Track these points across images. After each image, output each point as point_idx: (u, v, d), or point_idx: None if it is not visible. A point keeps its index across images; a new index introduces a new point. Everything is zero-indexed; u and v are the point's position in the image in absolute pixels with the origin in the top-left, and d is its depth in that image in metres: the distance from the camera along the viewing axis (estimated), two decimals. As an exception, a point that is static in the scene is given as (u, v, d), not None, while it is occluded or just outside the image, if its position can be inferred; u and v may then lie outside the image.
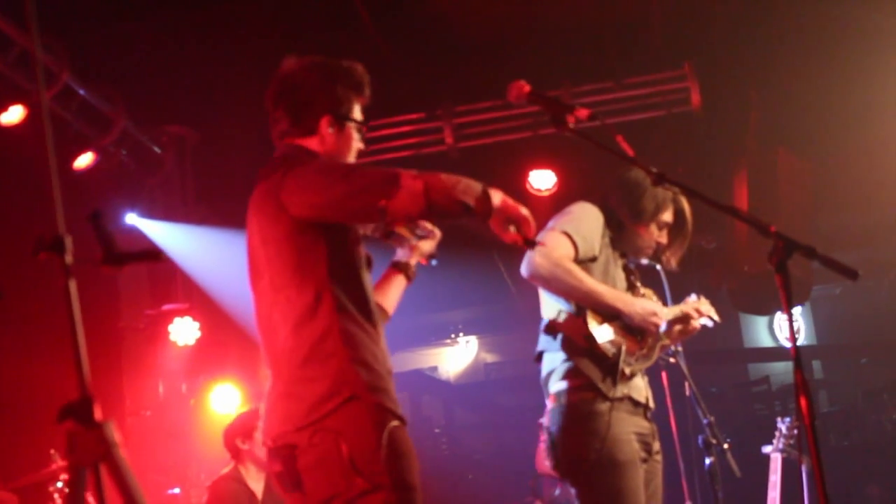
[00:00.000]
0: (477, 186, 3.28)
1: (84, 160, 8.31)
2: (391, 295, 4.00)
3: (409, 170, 3.25)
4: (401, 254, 4.12)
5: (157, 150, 9.26)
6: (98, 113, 8.30)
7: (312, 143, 3.64)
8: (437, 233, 4.12)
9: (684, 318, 5.03)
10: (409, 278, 4.10)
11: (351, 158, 3.73)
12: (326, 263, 3.39)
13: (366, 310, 3.50)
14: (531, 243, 3.42)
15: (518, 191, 9.33)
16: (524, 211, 3.37)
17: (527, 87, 3.72)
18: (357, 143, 3.75)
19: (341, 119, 3.67)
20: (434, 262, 4.14)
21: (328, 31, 8.38)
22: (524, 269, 4.61)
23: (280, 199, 3.40)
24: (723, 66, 8.84)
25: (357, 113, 3.75)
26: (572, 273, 4.55)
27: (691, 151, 9.10)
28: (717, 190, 8.79)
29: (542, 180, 9.38)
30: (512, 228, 3.35)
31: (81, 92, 7.92)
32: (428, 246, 4.12)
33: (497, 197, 3.31)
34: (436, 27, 8.61)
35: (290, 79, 3.69)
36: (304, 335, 3.36)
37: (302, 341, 3.36)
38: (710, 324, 5.18)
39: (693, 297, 5.19)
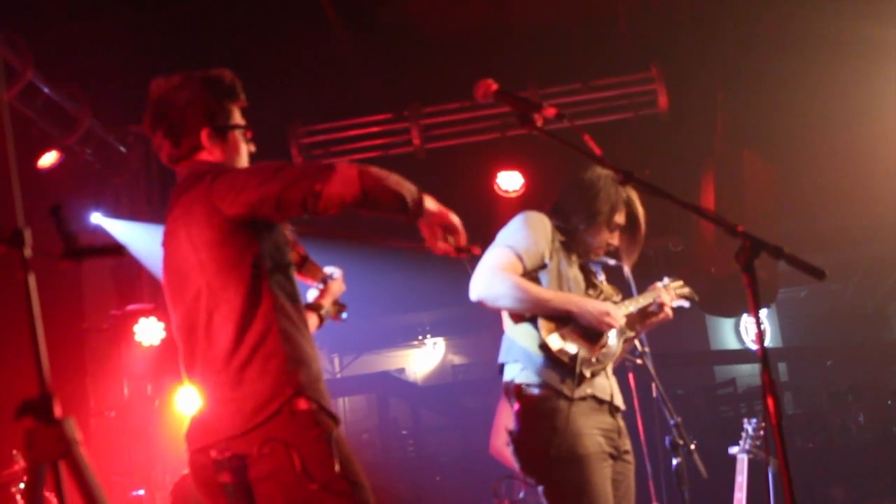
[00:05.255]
0: (411, 185, 3.33)
1: (48, 159, 8.24)
2: None
3: (343, 161, 3.28)
4: (315, 295, 4.20)
5: (122, 149, 9.20)
6: (63, 111, 8.23)
7: (204, 158, 3.62)
8: (340, 274, 4.27)
9: (651, 307, 5.03)
10: (321, 318, 4.17)
11: (244, 163, 3.71)
12: (262, 263, 3.39)
13: (299, 310, 3.51)
14: (463, 250, 3.46)
15: (486, 192, 9.33)
16: (455, 219, 3.43)
17: (494, 86, 3.71)
18: (245, 147, 3.73)
19: (221, 129, 3.64)
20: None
21: (295, 31, 8.36)
22: (471, 293, 4.62)
23: (212, 203, 3.38)
24: (689, 69, 8.87)
25: (237, 118, 3.71)
26: (517, 286, 4.56)
27: (658, 153, 9.13)
28: (684, 191, 8.72)
29: (510, 182, 9.38)
30: (447, 238, 3.43)
31: (46, 90, 7.84)
32: (337, 286, 4.25)
33: (431, 202, 3.36)
34: (403, 28, 8.60)
35: (160, 102, 3.64)
36: (244, 336, 3.34)
37: (243, 343, 3.34)
38: (686, 304, 5.20)
39: (665, 279, 5.20)
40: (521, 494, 7.77)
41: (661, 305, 5.05)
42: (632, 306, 4.95)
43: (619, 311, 4.78)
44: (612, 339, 4.78)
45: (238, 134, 3.69)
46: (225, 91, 3.68)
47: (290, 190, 3.23)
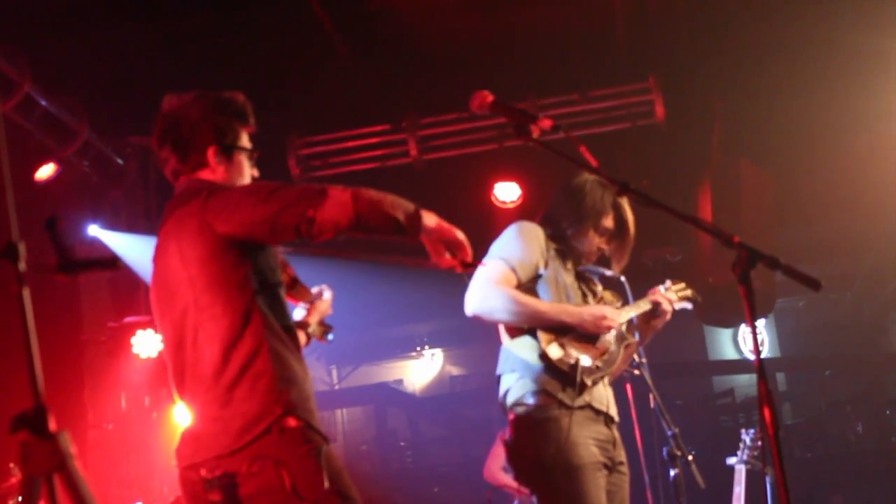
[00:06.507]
0: (408, 204, 3.31)
1: (45, 171, 8.24)
2: None
3: (337, 184, 3.27)
4: (301, 314, 4.19)
5: (119, 161, 9.20)
6: (60, 124, 8.23)
7: (205, 176, 3.62)
8: (329, 294, 4.25)
9: (652, 312, 5.01)
10: (308, 336, 4.16)
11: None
12: (252, 282, 3.38)
13: (289, 329, 3.50)
14: (469, 266, 3.46)
15: (483, 203, 9.34)
16: (460, 235, 3.42)
17: (490, 97, 3.71)
18: (249, 171, 3.74)
19: (228, 149, 3.65)
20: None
21: (293, 43, 8.36)
22: (466, 308, 4.60)
23: (205, 219, 3.37)
24: (687, 79, 8.88)
25: (244, 141, 3.72)
26: (512, 300, 4.54)
27: (656, 164, 9.14)
28: (681, 202, 8.83)
29: (507, 193, 9.40)
30: (448, 254, 3.41)
31: (43, 102, 7.85)
32: (324, 306, 4.24)
33: (431, 219, 3.35)
34: (401, 40, 8.60)
35: (171, 116, 3.65)
36: (232, 355, 3.32)
37: (231, 361, 3.32)
38: (689, 306, 5.18)
39: (668, 282, 5.19)
40: (516, 502, 7.78)
41: (660, 308, 5.03)
42: (632, 312, 4.94)
43: (617, 315, 4.77)
44: (614, 345, 4.78)
45: (243, 157, 3.70)
46: (235, 112, 3.70)
47: (283, 215, 3.23)
